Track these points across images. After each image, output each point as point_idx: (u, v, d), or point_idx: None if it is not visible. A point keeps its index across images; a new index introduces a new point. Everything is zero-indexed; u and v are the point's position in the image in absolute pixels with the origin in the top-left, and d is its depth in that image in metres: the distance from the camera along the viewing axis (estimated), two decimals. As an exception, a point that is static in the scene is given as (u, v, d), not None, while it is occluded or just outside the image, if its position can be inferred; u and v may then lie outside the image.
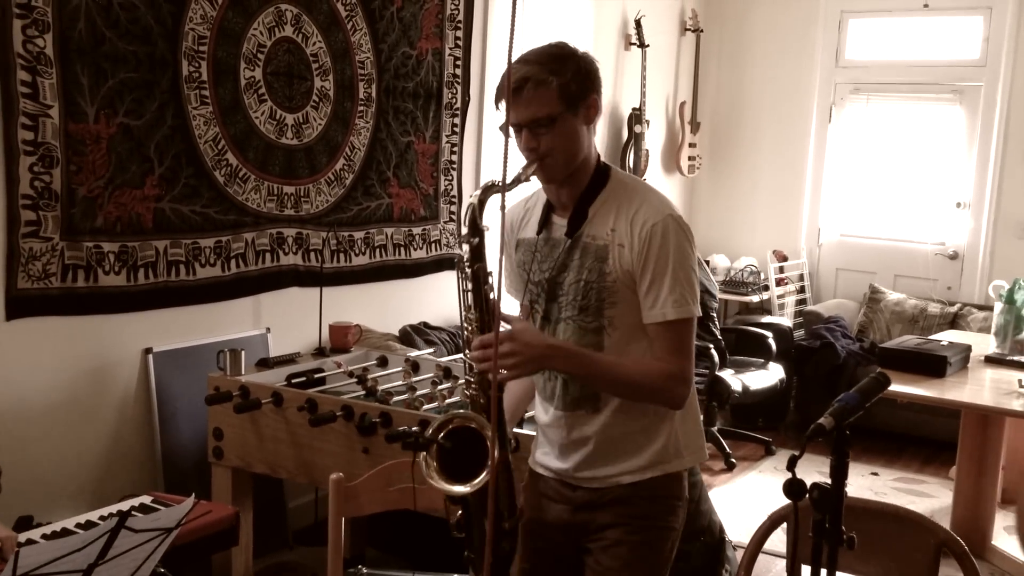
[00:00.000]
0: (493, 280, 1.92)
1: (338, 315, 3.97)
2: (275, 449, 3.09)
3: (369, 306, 4.25)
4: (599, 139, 5.76)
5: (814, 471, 5.11)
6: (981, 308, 5.85)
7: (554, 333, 2.00)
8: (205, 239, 3.54)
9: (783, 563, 2.32)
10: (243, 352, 3.26)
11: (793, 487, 1.53)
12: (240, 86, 3.60)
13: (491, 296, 1.93)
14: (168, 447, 3.47)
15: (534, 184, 2.03)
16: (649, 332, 1.95)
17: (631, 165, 5.90)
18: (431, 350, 3.90)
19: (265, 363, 3.39)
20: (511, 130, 1.93)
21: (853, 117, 6.46)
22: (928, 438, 5.48)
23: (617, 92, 5.90)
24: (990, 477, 4.09)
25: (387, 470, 2.45)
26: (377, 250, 4.29)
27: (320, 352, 3.61)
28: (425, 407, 2.96)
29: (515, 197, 2.11)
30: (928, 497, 4.78)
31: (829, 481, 1.60)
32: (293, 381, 3.22)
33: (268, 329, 3.85)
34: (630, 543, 2.03)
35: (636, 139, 5.90)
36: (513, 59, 1.76)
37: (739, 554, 3.43)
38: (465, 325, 1.94)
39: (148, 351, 3.43)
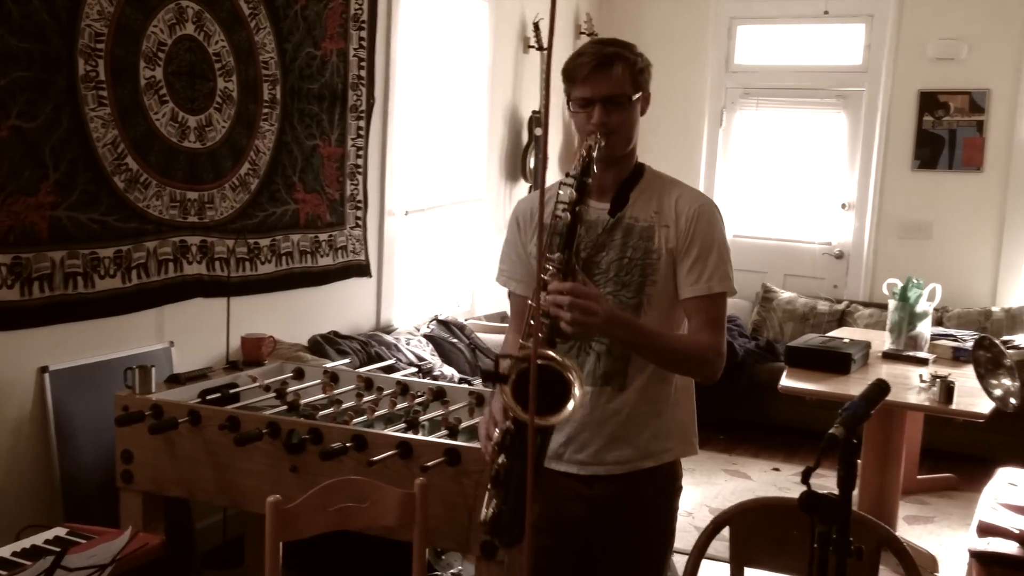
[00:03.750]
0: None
1: (244, 326, 3.80)
2: (192, 471, 2.92)
3: (276, 316, 4.09)
4: (498, 142, 5.74)
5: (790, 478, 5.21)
6: (867, 305, 6.08)
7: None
8: (104, 249, 3.33)
9: (725, 568, 2.31)
10: (153, 369, 3.07)
11: (810, 501, 1.50)
12: (140, 86, 3.40)
13: (580, 250, 2.00)
14: (68, 472, 3.24)
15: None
16: (688, 307, 2.07)
17: (532, 168, 5.88)
18: (345, 360, 3.77)
19: (176, 379, 3.20)
20: (571, 106, 2.06)
21: (744, 121, 6.62)
22: (824, 432, 5.64)
23: (517, 95, 5.87)
24: (893, 470, 4.24)
25: (325, 490, 2.34)
26: (283, 257, 4.13)
27: (232, 366, 3.44)
28: (354, 421, 2.85)
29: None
30: (831, 491, 4.93)
31: (825, 490, 1.57)
32: (208, 398, 3.05)
33: (172, 343, 3.65)
34: (646, 534, 2.15)
35: (536, 142, 5.89)
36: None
37: (674, 559, 3.44)
38: (547, 266, 1.90)
39: (44, 370, 3.20)
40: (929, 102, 6.06)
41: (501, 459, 1.90)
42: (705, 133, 6.67)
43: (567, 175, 1.98)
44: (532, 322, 1.91)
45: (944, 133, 6.04)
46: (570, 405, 1.81)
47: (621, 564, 2.16)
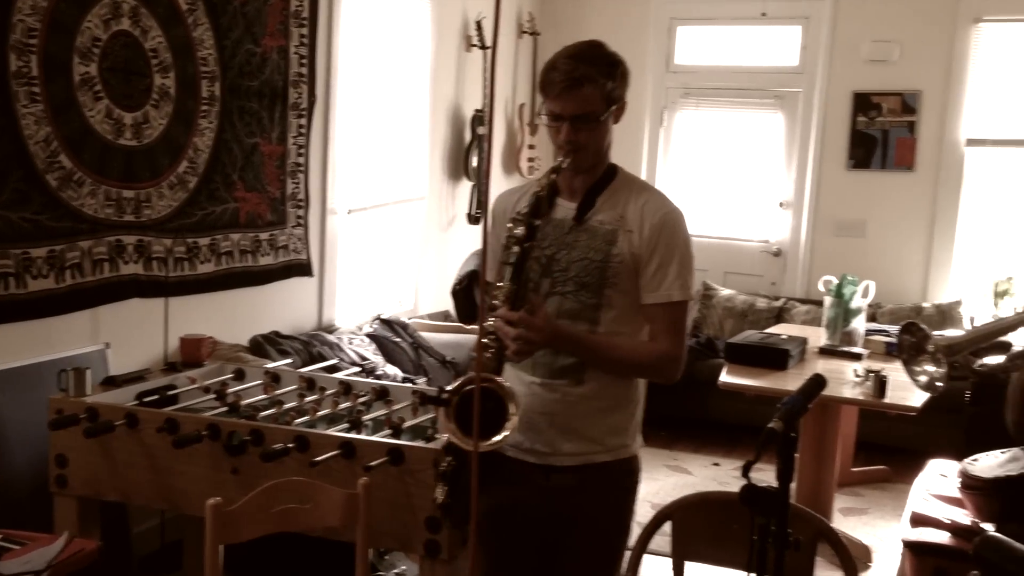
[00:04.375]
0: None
1: (183, 327, 3.75)
2: (129, 475, 2.86)
3: (216, 316, 4.04)
4: (441, 140, 5.73)
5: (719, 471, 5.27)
6: (803, 302, 6.20)
7: (544, 303, 2.12)
8: (37, 249, 3.26)
9: (668, 562, 2.35)
10: (88, 371, 3.01)
11: (750, 494, 1.53)
12: (74, 83, 3.33)
13: (530, 279, 2.10)
14: (0, 478, 3.16)
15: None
16: (647, 312, 2.13)
17: (475, 166, 5.89)
18: (287, 361, 3.74)
19: (112, 381, 3.14)
20: (544, 118, 2.13)
21: (684, 121, 6.70)
22: (764, 427, 5.74)
23: (460, 93, 5.87)
24: (829, 463, 4.32)
25: (267, 492, 2.32)
26: (223, 257, 4.08)
27: (171, 367, 3.39)
28: (297, 421, 2.83)
29: (500, 187, 2.35)
30: (770, 484, 5.01)
31: (764, 483, 1.60)
32: (145, 400, 3.00)
33: (107, 344, 3.58)
34: (603, 527, 2.20)
35: (479, 140, 5.89)
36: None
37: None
38: (494, 292, 2.05)
39: (-26, 373, 3.13)
40: (863, 103, 6.20)
41: (441, 490, 2.05)
42: (646, 132, 6.73)
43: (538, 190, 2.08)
44: (484, 340, 2.02)
45: (877, 133, 6.18)
46: (503, 433, 1.92)
47: (576, 555, 2.21)
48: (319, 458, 2.51)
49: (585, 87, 2.04)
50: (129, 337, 3.65)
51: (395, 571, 3.29)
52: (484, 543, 2.24)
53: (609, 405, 2.16)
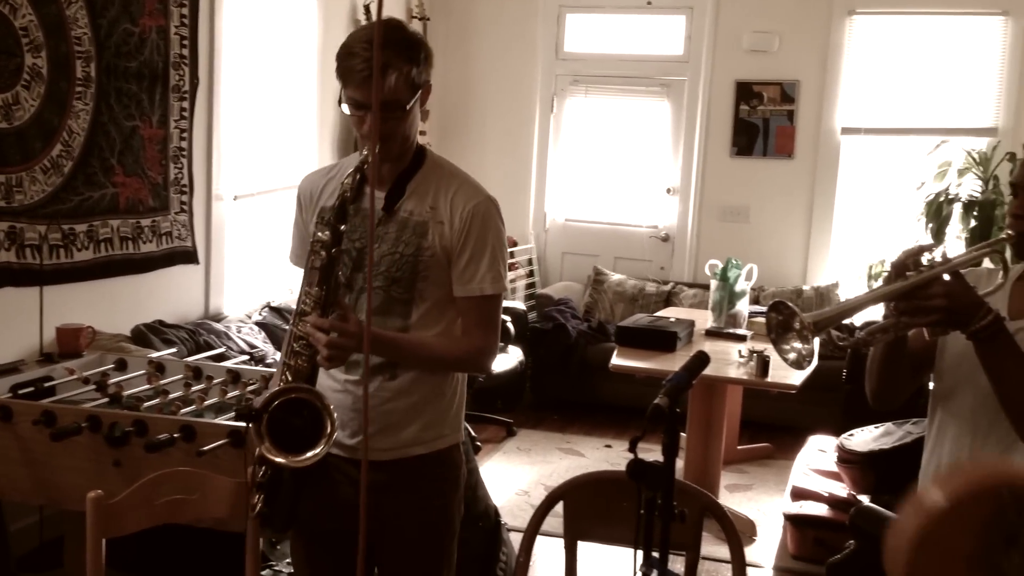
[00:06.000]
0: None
1: (60, 317, 3.60)
2: (4, 470, 2.74)
3: (96, 305, 3.89)
4: (330, 126, 5.65)
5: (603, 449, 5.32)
6: (691, 286, 6.35)
7: (357, 301, 2.04)
8: (-102, 236, 3.08)
9: (560, 543, 2.37)
10: (-43, 363, 2.87)
11: (637, 468, 1.56)
12: (-64, 60, 3.16)
13: (339, 283, 2.01)
14: None
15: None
16: (460, 305, 2.07)
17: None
18: (172, 350, 3.64)
19: (-17, 374, 3.00)
20: (345, 108, 1.98)
21: (574, 108, 6.77)
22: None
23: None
24: (716, 441, 4.45)
25: (151, 483, 2.25)
26: (102, 244, 3.93)
27: (47, 358, 3.26)
28: (182, 411, 2.75)
29: (309, 166, 2.17)
30: (657, 460, 5.12)
31: (651, 458, 1.63)
32: (20, 392, 2.87)
33: (-22, 336, 3.42)
34: (423, 523, 2.12)
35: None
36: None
37: (511, 536, 3.50)
38: (304, 299, 1.96)
39: None
40: (745, 92, 6.37)
41: (258, 498, 1.96)
42: (537, 119, 6.78)
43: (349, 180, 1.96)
44: (294, 346, 1.97)
45: (759, 122, 6.37)
46: (318, 448, 1.86)
47: (399, 549, 2.14)
48: (206, 447, 2.45)
49: (388, 76, 1.90)
50: (1, 328, 3.49)
51: (287, 560, 3.24)
52: (303, 543, 2.18)
53: (423, 399, 2.09)
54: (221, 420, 2.65)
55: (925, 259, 1.70)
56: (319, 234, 1.95)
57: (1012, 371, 1.66)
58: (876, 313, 1.91)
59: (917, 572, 0.83)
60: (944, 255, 1.73)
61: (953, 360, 1.82)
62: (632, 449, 1.60)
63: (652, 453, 1.64)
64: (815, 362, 4.24)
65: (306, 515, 2.05)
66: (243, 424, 2.49)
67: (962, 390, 1.82)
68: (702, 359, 1.77)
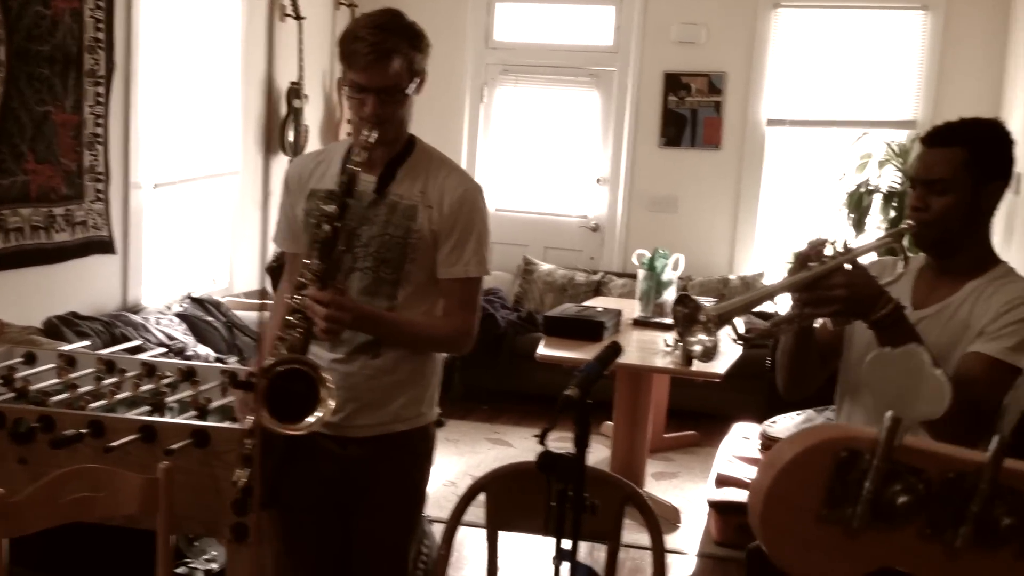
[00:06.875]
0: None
1: (-32, 309, 3.48)
2: (-98, 469, 2.63)
3: (5, 297, 3.76)
4: (255, 113, 5.55)
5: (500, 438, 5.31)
6: (620, 275, 6.39)
7: (347, 281, 2.10)
8: None
9: (481, 533, 2.37)
10: None
11: (547, 460, 1.55)
12: None
13: (341, 257, 2.08)
14: None
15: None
16: (444, 287, 2.15)
17: (291, 141, 5.73)
18: (86, 343, 3.53)
19: None
20: (346, 88, 2.09)
21: (504, 97, 6.75)
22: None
23: (273, 65, 5.68)
24: (641, 430, 4.49)
25: (57, 480, 2.18)
26: (12, 233, 3.80)
27: (-49, 352, 3.13)
28: (92, 406, 2.67)
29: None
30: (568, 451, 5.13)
31: (565, 449, 1.62)
32: (-80, 388, 2.76)
33: None
34: (398, 494, 2.23)
35: (296, 114, 5.73)
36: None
37: (433, 528, 3.48)
38: (304, 271, 2.03)
39: None
40: (673, 83, 6.42)
41: (243, 472, 2.06)
42: (467, 108, 6.74)
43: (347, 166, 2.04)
44: (289, 318, 2.02)
45: (687, 113, 6.42)
46: (313, 417, 1.93)
47: (373, 521, 2.24)
48: (115, 443, 2.38)
49: (393, 59, 2.01)
50: (-97, 321, 3.36)
51: (205, 557, 3.18)
52: (281, 516, 2.25)
53: (405, 378, 2.19)
54: (132, 415, 2.57)
55: (828, 250, 1.72)
56: (324, 207, 2.02)
57: None
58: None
59: (769, 526, 0.88)
60: (847, 245, 1.75)
61: (860, 350, 1.85)
62: (542, 441, 1.59)
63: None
64: (729, 353, 4.29)
65: (288, 491, 2.15)
66: (154, 420, 2.47)
67: (867, 380, 1.84)
68: (615, 349, 1.77)
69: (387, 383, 2.16)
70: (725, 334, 1.74)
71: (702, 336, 1.70)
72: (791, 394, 1.97)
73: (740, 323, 1.88)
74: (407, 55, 2.05)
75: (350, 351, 2.14)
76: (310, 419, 1.94)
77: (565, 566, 1.61)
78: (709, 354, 1.72)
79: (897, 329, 1.68)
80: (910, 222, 1.79)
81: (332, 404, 1.96)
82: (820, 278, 1.69)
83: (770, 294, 1.79)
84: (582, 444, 1.61)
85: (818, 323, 1.86)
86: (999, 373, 1.69)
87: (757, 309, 1.78)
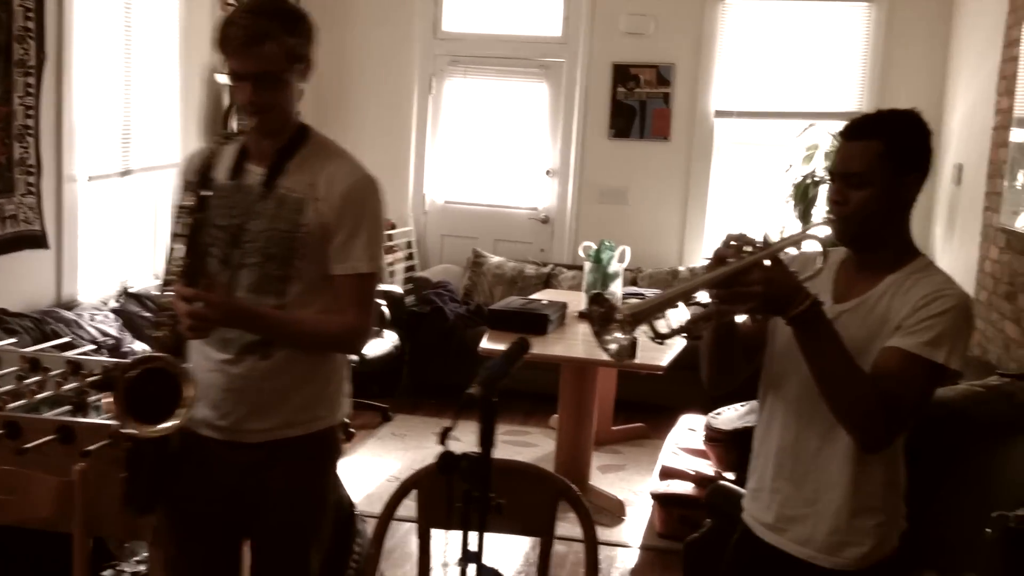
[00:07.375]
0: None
1: None
2: None
3: (-70, 294, 3.66)
4: (195, 105, 5.44)
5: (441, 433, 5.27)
6: (570, 267, 6.37)
7: (234, 278, 2.02)
8: None
9: (413, 527, 2.33)
10: None
11: (447, 461, 1.52)
12: None
13: (205, 251, 2.01)
14: None
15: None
16: (336, 284, 2.05)
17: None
18: (12, 340, 3.44)
19: None
20: (227, 78, 2.03)
21: (453, 89, 6.69)
22: (529, 392, 5.85)
23: (216, 56, 5.57)
24: (587, 423, 4.47)
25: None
26: (-63, 228, 3.69)
27: None
28: (10, 405, 2.60)
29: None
30: (532, 447, 5.12)
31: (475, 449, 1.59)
32: None
33: None
34: (296, 503, 2.12)
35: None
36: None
37: (368, 525, 3.44)
38: (172, 267, 1.96)
39: None
40: (622, 74, 6.40)
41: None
42: (415, 100, 6.67)
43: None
44: (159, 317, 1.98)
45: (636, 104, 6.41)
46: (175, 420, 1.85)
47: (271, 529, 2.14)
48: (29, 444, 2.31)
49: (265, 44, 1.93)
50: None
51: (136, 559, 3.11)
52: (174, 526, 2.17)
53: (299, 379, 2.09)
54: (51, 415, 2.50)
55: (747, 246, 1.70)
56: (184, 201, 1.97)
57: (828, 356, 1.67)
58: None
59: None
60: (767, 240, 1.73)
61: (783, 346, 1.84)
62: (442, 441, 1.56)
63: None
64: (675, 345, 4.29)
65: (175, 496, 2.06)
66: (71, 420, 2.40)
67: (788, 375, 1.83)
68: (522, 346, 1.74)
69: (278, 385, 2.06)
70: (642, 332, 1.72)
71: (618, 335, 1.67)
72: (715, 388, 1.95)
73: (686, 313, 1.86)
74: (280, 40, 1.95)
75: (238, 351, 2.04)
76: (166, 423, 1.85)
77: (471, 568, 1.58)
78: (625, 353, 1.70)
79: (814, 325, 1.67)
80: (830, 216, 1.78)
81: (194, 405, 1.89)
82: (738, 274, 1.67)
83: (687, 292, 1.77)
84: (487, 442, 1.58)
85: (740, 318, 1.84)
86: (915, 367, 1.68)
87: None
